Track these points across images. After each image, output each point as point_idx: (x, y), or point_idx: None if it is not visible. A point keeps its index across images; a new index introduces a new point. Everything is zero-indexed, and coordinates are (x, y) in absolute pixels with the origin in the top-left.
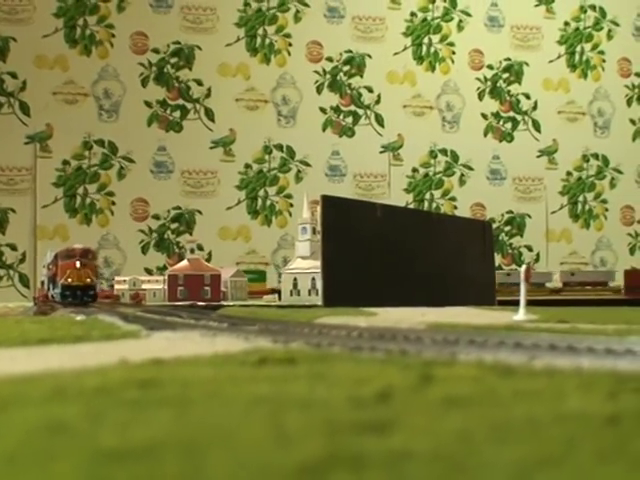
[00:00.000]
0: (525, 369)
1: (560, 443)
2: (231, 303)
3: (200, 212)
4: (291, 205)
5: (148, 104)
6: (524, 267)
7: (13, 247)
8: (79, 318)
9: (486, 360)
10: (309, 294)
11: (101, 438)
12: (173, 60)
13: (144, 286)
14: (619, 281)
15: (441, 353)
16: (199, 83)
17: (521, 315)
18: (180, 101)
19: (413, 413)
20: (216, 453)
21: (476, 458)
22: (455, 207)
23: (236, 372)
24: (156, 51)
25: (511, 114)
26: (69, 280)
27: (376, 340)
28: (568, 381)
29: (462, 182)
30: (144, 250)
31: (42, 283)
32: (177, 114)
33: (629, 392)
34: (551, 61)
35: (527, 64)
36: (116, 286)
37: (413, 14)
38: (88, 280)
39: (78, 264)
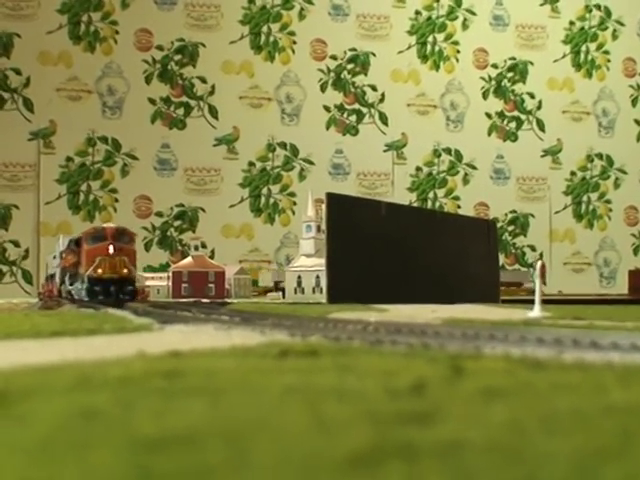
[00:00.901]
0: (555, 363)
1: (614, 435)
2: (236, 300)
3: (203, 210)
4: (294, 203)
5: (152, 101)
6: (539, 263)
7: (16, 244)
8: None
9: (513, 354)
10: (313, 292)
11: (137, 426)
12: (177, 57)
13: (147, 283)
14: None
15: (465, 347)
16: (203, 80)
17: (537, 311)
18: (184, 98)
19: (453, 404)
20: (259, 442)
21: (532, 449)
22: (459, 206)
23: (259, 364)
24: (160, 48)
25: (515, 113)
26: (99, 271)
27: (395, 334)
28: (604, 375)
29: (466, 181)
30: (147, 247)
31: (48, 278)
32: (181, 111)
33: None
34: (556, 60)
35: (532, 63)
36: None
37: (418, 12)
38: (125, 271)
39: (111, 249)
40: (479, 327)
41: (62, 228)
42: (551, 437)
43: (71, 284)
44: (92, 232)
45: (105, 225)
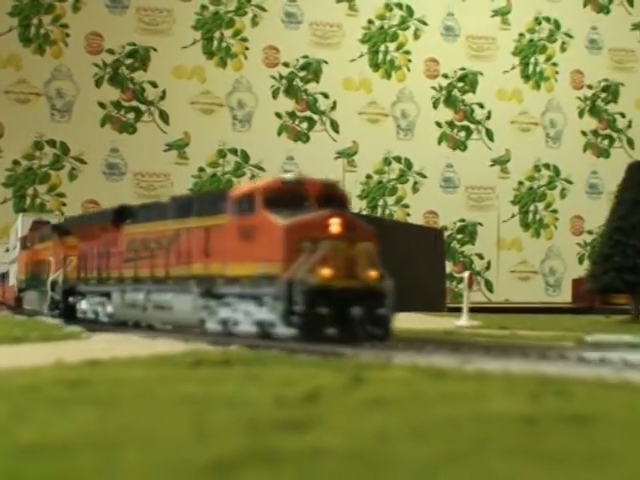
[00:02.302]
0: (456, 372)
1: (473, 441)
2: None
3: None
4: None
5: (102, 105)
6: (467, 274)
7: None
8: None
9: (420, 363)
10: None
11: (19, 434)
12: (128, 61)
13: None
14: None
15: (377, 356)
16: (154, 85)
17: (464, 321)
18: (134, 103)
19: (336, 413)
20: (132, 450)
21: (389, 455)
22: (408, 214)
23: (168, 373)
24: (111, 52)
25: (465, 123)
26: (325, 274)
27: (312, 344)
28: (494, 384)
29: (415, 189)
30: None
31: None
32: (131, 116)
33: (551, 394)
34: (505, 72)
35: (482, 74)
36: None
37: (370, 21)
38: (371, 274)
39: (338, 226)
40: (399, 337)
41: (8, 232)
42: (413, 444)
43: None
44: (286, 186)
45: (289, 176)
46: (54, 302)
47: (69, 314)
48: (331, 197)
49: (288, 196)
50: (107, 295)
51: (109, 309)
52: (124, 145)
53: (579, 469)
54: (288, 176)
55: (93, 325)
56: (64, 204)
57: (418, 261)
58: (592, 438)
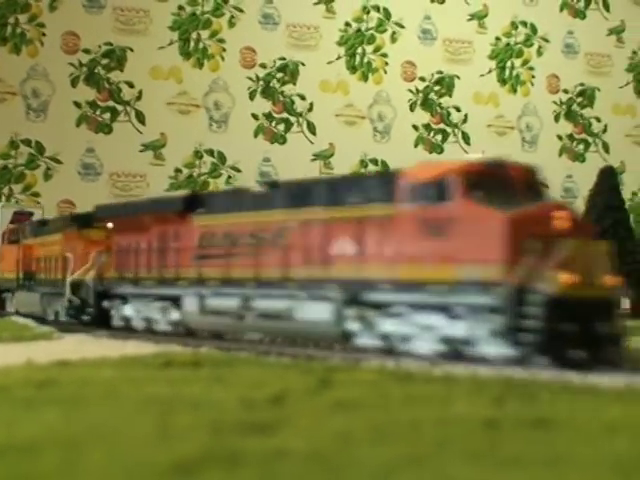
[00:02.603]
0: (424, 375)
1: (433, 445)
2: None
3: None
4: None
5: (77, 105)
6: None
7: None
8: None
9: (388, 366)
10: None
11: None
12: (104, 61)
13: None
14: None
15: (346, 358)
16: (130, 85)
17: None
18: (110, 103)
19: (301, 415)
20: (96, 450)
21: (349, 457)
22: None
23: (137, 374)
24: (87, 51)
25: (442, 126)
26: (566, 280)
27: (285, 345)
28: (460, 387)
29: None
30: None
31: None
32: (107, 116)
33: (515, 398)
34: (482, 75)
35: (458, 77)
36: None
37: (347, 24)
38: (610, 281)
39: (564, 218)
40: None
41: None
42: (374, 446)
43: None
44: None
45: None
46: (76, 306)
47: (102, 321)
48: (533, 185)
49: (491, 181)
50: (172, 299)
51: (175, 316)
52: (100, 145)
53: (537, 473)
54: (480, 157)
55: (148, 335)
56: (38, 203)
57: None
58: (553, 442)
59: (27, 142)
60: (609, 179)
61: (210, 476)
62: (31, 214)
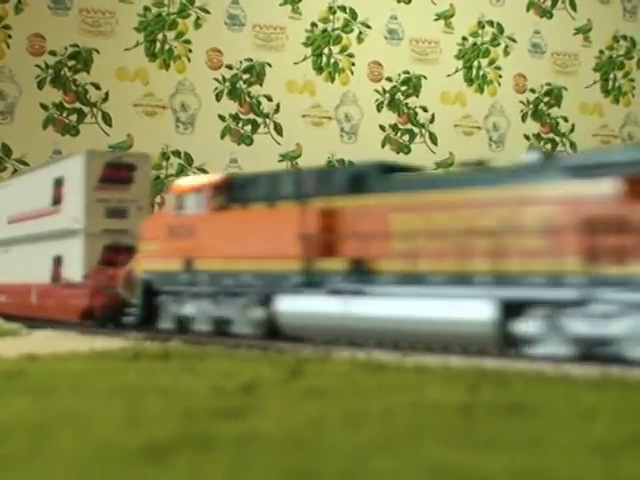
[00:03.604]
0: (396, 365)
1: (407, 429)
2: None
3: None
4: None
5: (44, 107)
6: None
7: None
8: None
9: (359, 357)
10: None
11: None
12: (71, 63)
13: None
14: None
15: (317, 350)
16: (97, 87)
17: None
18: (77, 105)
19: (272, 402)
20: (64, 434)
21: (322, 441)
22: None
23: (107, 365)
24: (54, 54)
25: (409, 126)
26: None
27: (255, 339)
28: (433, 376)
29: None
30: None
31: None
32: (74, 118)
33: (489, 385)
34: (449, 75)
35: (425, 77)
36: None
37: (314, 24)
38: None
39: None
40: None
41: None
42: (348, 431)
43: None
44: None
45: None
46: None
47: None
48: None
49: None
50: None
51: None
52: (67, 147)
53: (515, 454)
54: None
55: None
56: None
57: None
58: (529, 426)
59: None
60: None
61: (181, 459)
62: (132, 167)
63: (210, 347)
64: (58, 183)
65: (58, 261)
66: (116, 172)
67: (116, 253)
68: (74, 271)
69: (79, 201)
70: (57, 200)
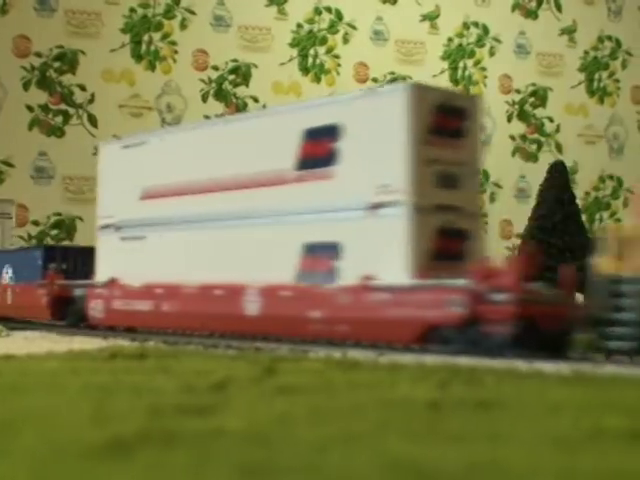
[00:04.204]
0: (370, 364)
1: (373, 424)
2: None
3: (81, 219)
4: None
5: (30, 108)
6: None
7: None
8: None
9: (335, 356)
10: None
11: None
12: (56, 64)
13: None
14: None
15: (294, 350)
16: (82, 88)
17: None
18: (63, 106)
19: (242, 399)
20: (29, 431)
21: (287, 436)
22: None
23: (82, 365)
24: (39, 55)
25: None
26: None
27: (234, 339)
28: (406, 373)
29: None
30: None
31: None
32: (59, 119)
33: (459, 382)
34: (434, 76)
35: (411, 78)
36: None
37: (299, 25)
38: None
39: None
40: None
41: None
42: (313, 426)
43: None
44: None
45: None
46: None
47: None
48: None
49: None
50: None
51: None
52: (52, 148)
53: (476, 448)
54: None
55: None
56: None
57: None
58: (494, 421)
59: None
60: (559, 174)
61: (145, 455)
62: (463, 112)
63: (187, 347)
64: (315, 135)
65: (315, 250)
66: (447, 120)
67: (448, 240)
68: (388, 267)
69: (396, 161)
70: (317, 160)
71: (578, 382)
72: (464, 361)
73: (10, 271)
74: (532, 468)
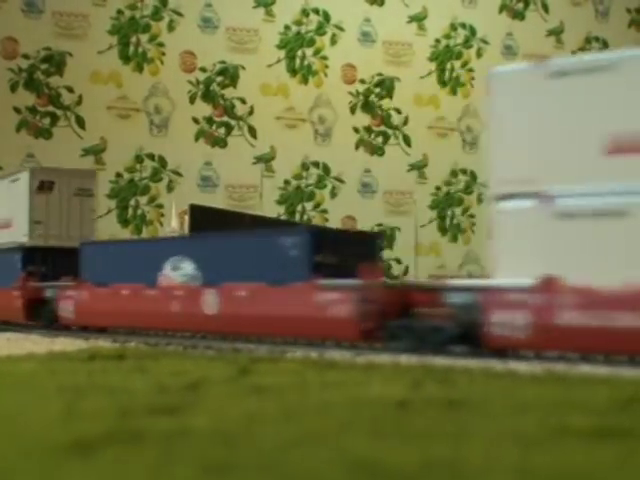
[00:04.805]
0: (347, 364)
1: (340, 423)
2: None
3: None
4: (162, 215)
5: (17, 110)
6: None
7: None
8: None
9: (312, 356)
10: None
11: None
12: (44, 66)
13: None
14: None
15: (272, 351)
16: (70, 90)
17: None
18: (51, 108)
19: (213, 399)
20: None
21: (252, 435)
22: (326, 219)
23: (60, 366)
24: (27, 57)
25: (383, 128)
26: None
27: (213, 340)
28: (380, 373)
29: (333, 194)
30: None
31: None
32: (47, 121)
33: (433, 382)
34: (422, 77)
35: (399, 79)
36: None
37: (287, 27)
38: None
39: None
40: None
41: None
42: (280, 425)
43: None
44: None
45: None
46: None
47: None
48: None
49: None
50: None
51: None
52: (40, 151)
53: (434, 446)
54: None
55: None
56: None
57: None
58: (459, 420)
59: None
60: None
61: (110, 453)
62: None
63: (166, 348)
64: None
65: None
66: None
67: None
68: None
69: None
70: None
71: (549, 381)
72: (439, 361)
73: None
74: (489, 465)
